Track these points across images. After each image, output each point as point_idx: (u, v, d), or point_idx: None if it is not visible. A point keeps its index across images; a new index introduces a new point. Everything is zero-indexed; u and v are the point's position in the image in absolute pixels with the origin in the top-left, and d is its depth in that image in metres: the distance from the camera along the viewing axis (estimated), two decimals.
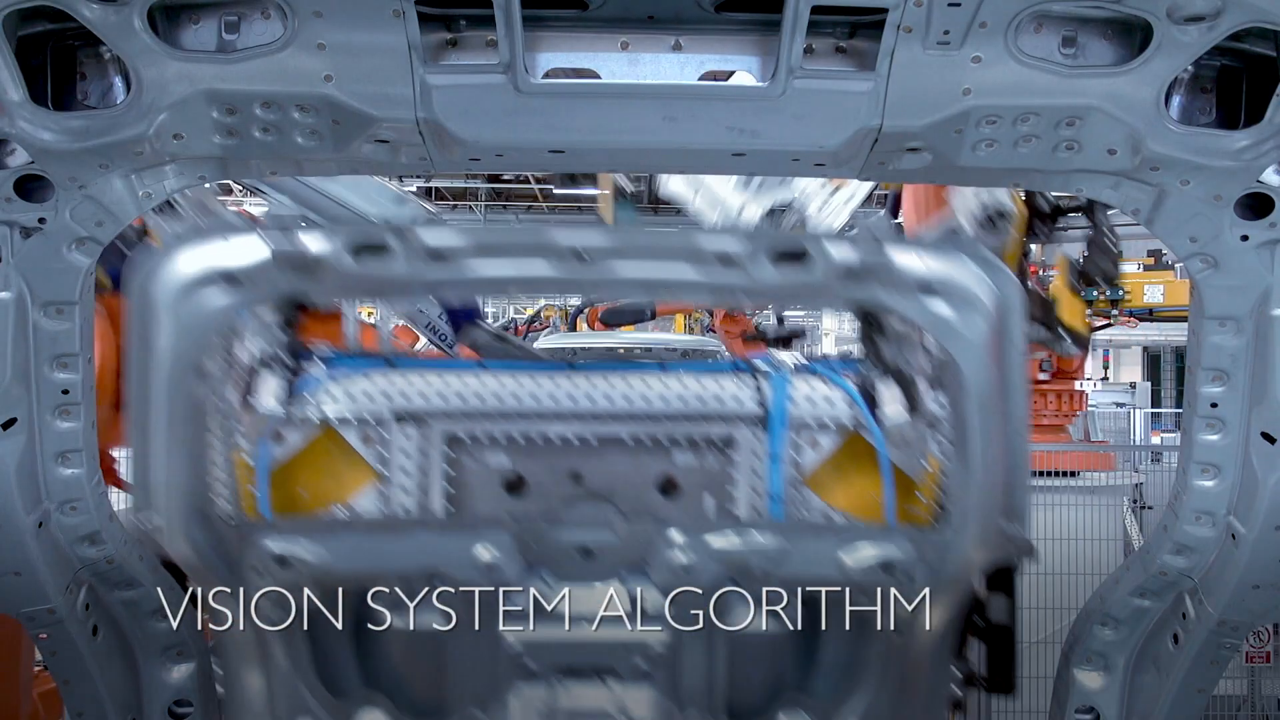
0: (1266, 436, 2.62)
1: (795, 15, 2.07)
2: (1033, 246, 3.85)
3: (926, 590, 3.48)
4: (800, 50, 2.14)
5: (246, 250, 2.90)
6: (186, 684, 3.36)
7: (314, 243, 2.86)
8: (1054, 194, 3.87)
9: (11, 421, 2.61)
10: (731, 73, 2.27)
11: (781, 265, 2.97)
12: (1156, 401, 26.99)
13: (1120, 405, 19.62)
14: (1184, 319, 2.81)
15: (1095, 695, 3.35)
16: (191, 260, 2.91)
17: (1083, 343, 3.95)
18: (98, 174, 2.37)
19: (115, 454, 5.65)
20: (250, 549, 3.35)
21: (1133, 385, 22.80)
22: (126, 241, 3.46)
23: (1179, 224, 2.47)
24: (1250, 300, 2.53)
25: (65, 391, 2.66)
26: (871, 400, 3.30)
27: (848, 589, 3.53)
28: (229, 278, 2.93)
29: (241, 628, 3.48)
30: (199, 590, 3.56)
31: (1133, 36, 2.17)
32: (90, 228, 2.47)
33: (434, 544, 3.49)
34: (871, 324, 3.35)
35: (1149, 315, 16.89)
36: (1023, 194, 3.78)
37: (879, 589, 3.51)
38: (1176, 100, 2.34)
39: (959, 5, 2.05)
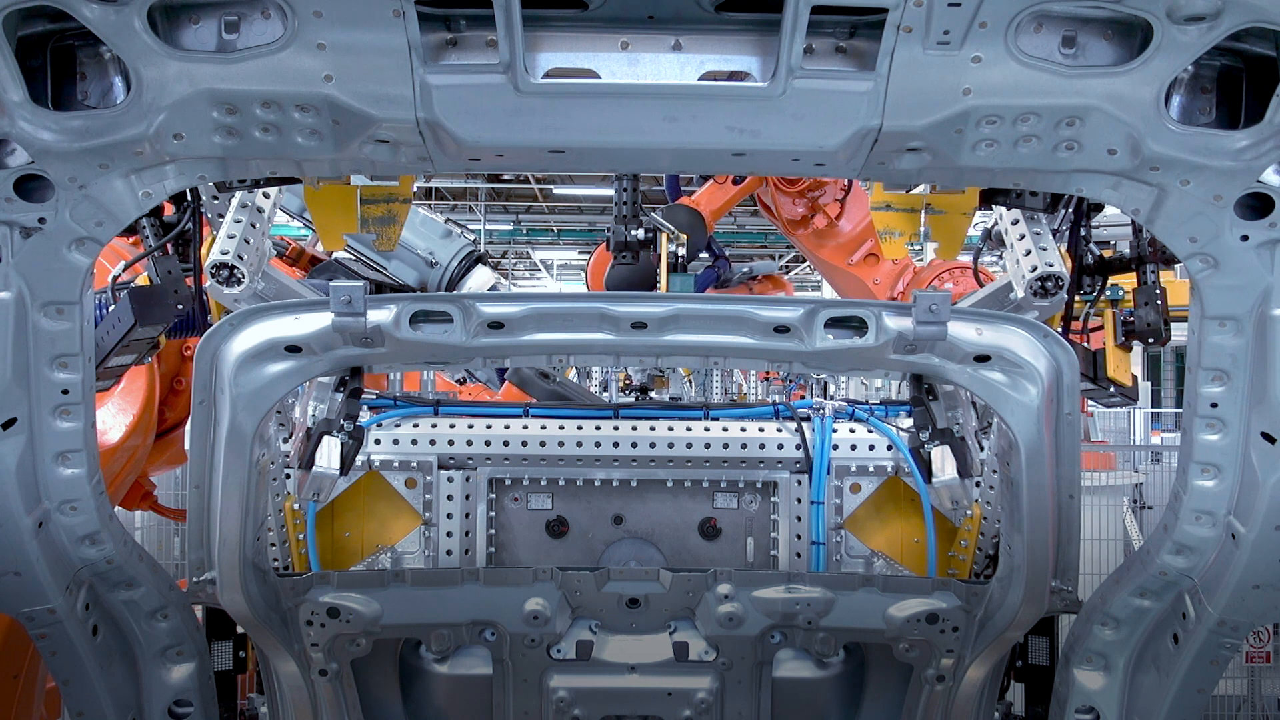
0: (1266, 436, 2.62)
1: (795, 15, 2.07)
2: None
3: (972, 641, 3.50)
4: (800, 50, 2.14)
5: (308, 321, 2.98)
6: (186, 684, 3.36)
7: (375, 312, 2.93)
8: (1099, 250, 3.89)
9: (11, 421, 2.60)
10: (731, 73, 2.27)
11: (838, 334, 3.03)
12: (1156, 401, 26.97)
13: (1121, 405, 19.57)
14: (1184, 319, 2.81)
15: (1095, 695, 3.35)
16: (255, 332, 2.98)
17: (1131, 396, 3.97)
18: (98, 174, 2.37)
19: (154, 480, 5.76)
20: (303, 601, 3.43)
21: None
22: (178, 296, 3.52)
23: (1179, 224, 2.47)
24: (1250, 300, 2.53)
25: (65, 391, 2.65)
26: (918, 454, 3.35)
27: (894, 639, 3.56)
28: (291, 348, 3.00)
29: (292, 677, 3.56)
30: (250, 640, 3.65)
31: (1133, 36, 2.17)
32: (90, 228, 2.47)
33: (483, 596, 3.54)
34: (922, 384, 3.40)
35: None
36: (1065, 247, 3.79)
37: (925, 640, 3.54)
38: (1176, 100, 2.35)
39: (959, 5, 2.05)
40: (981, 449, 3.88)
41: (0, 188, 2.35)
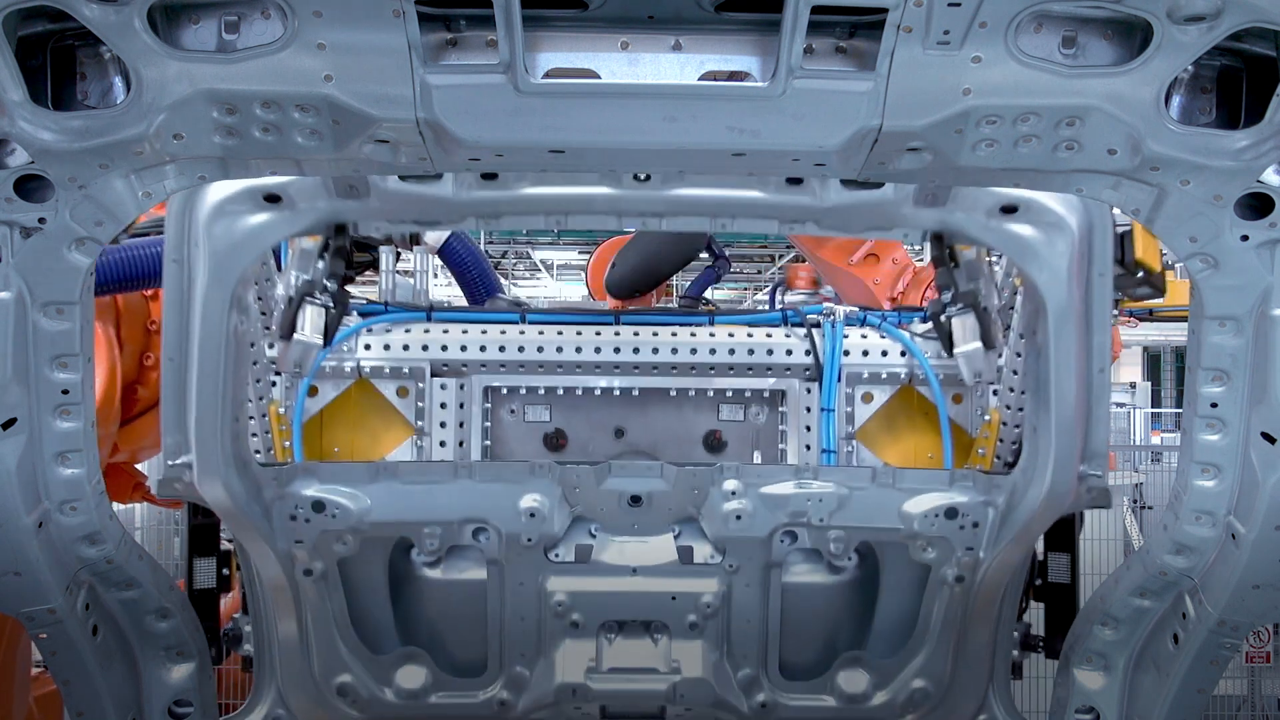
0: (1266, 436, 2.62)
1: (795, 15, 2.06)
2: None
3: (994, 538, 3.29)
4: (800, 50, 2.14)
5: None
6: (186, 684, 3.35)
7: None
8: None
9: (11, 421, 2.60)
10: (731, 73, 2.27)
11: (854, 187, 2.79)
12: (1156, 401, 27.00)
13: (1120, 405, 19.66)
14: (1184, 319, 2.81)
15: (1095, 695, 3.35)
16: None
17: (1159, 284, 3.72)
18: (98, 174, 2.37)
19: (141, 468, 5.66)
20: (286, 493, 3.25)
21: (1133, 385, 22.86)
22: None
23: (1179, 224, 2.47)
24: (1250, 300, 2.53)
25: (65, 391, 2.66)
26: (939, 324, 3.06)
27: (910, 537, 3.35)
28: (270, 197, 2.80)
29: (275, 578, 3.38)
30: (233, 539, 3.42)
31: (1133, 36, 2.17)
32: (90, 228, 2.47)
33: (476, 491, 3.35)
34: (944, 245, 3.12)
35: (1149, 315, 16.90)
36: None
37: (943, 537, 3.32)
38: (1176, 100, 2.34)
39: (959, 5, 2.05)
40: (1001, 351, 3.55)
41: (0, 188, 2.35)
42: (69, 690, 3.16)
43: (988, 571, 3.39)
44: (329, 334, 3.02)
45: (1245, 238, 2.44)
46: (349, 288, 3.43)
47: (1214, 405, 2.68)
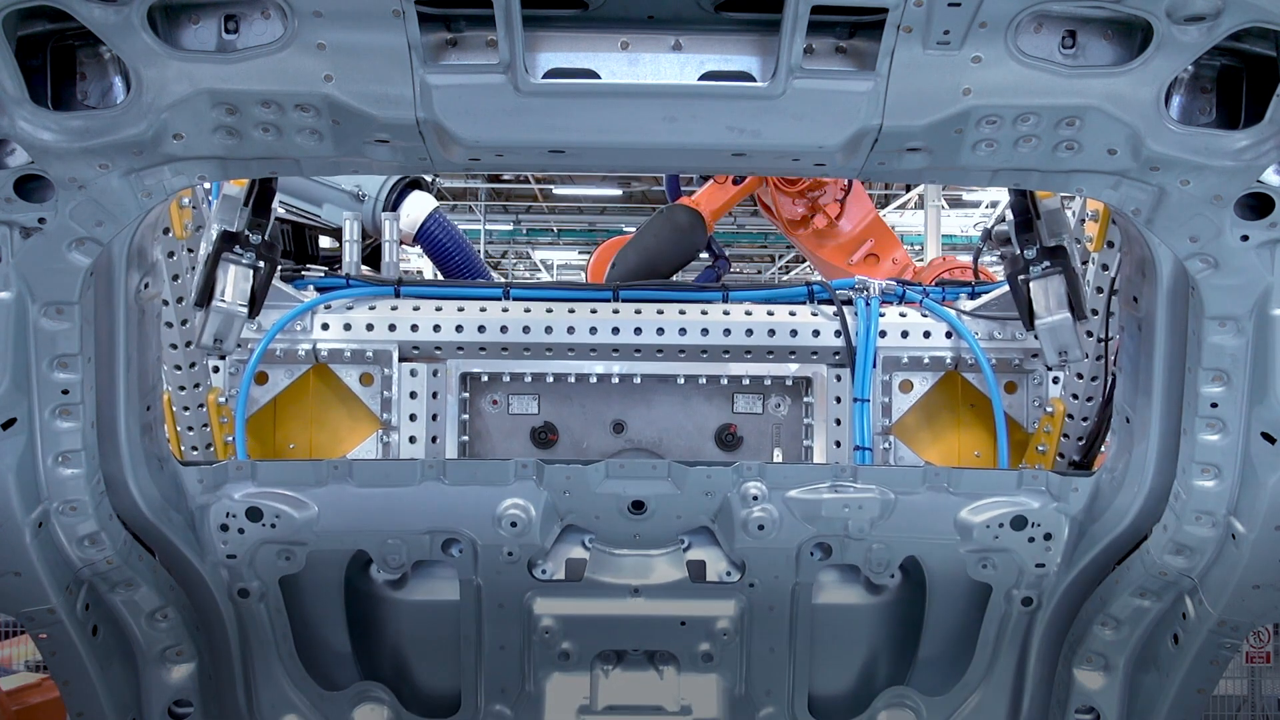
0: (1266, 436, 2.62)
1: (795, 15, 2.07)
2: None
3: (1070, 552, 2.89)
4: (800, 50, 2.15)
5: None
6: (186, 684, 3.32)
7: None
8: None
9: (11, 422, 2.60)
10: (731, 73, 2.27)
11: None
12: None
13: None
14: None
15: (1095, 695, 3.33)
16: None
17: None
18: (98, 174, 2.37)
19: None
20: (215, 498, 2.83)
21: None
22: None
23: (1179, 224, 2.47)
24: (1250, 300, 2.53)
25: (65, 391, 2.65)
26: (1016, 287, 2.57)
27: (968, 551, 2.91)
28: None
29: (204, 599, 2.99)
30: (160, 558, 2.97)
31: (1133, 36, 2.17)
32: (90, 228, 2.46)
33: (446, 495, 2.89)
34: (1025, 196, 2.71)
35: None
36: None
37: (1008, 551, 2.89)
38: (1176, 100, 2.35)
39: (959, 5, 2.05)
40: (1083, 312, 3.00)
41: (0, 188, 2.35)
42: (69, 690, 3.16)
43: (1062, 593, 3.02)
44: (255, 302, 2.61)
45: (1245, 238, 2.44)
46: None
47: (1214, 405, 2.67)
